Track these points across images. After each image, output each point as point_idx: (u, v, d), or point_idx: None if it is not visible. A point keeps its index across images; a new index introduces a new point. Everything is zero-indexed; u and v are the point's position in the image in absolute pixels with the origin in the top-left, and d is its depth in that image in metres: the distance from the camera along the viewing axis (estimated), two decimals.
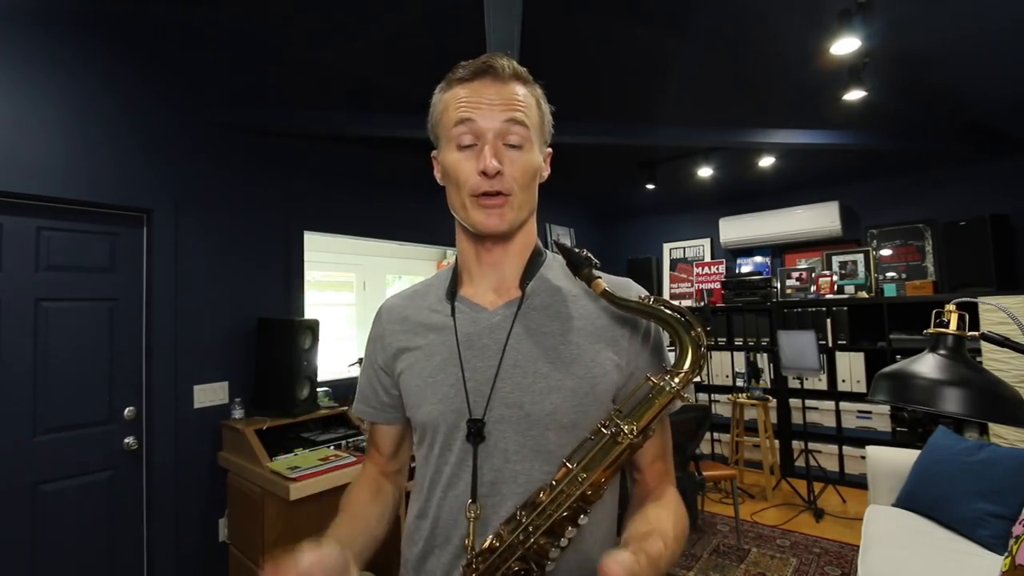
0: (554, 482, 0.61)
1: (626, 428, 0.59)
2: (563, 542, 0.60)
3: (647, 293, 0.70)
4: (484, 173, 0.64)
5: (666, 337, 0.70)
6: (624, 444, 0.59)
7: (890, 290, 3.85)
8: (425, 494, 0.71)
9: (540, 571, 0.60)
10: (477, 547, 0.63)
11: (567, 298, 0.72)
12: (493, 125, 0.65)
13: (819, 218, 4.19)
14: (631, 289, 0.72)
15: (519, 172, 0.66)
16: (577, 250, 0.66)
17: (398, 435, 0.82)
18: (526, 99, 0.68)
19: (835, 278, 4.09)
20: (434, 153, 0.74)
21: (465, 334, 0.71)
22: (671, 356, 0.67)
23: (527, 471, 0.66)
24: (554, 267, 0.76)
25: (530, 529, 0.59)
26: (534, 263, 0.74)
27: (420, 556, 0.70)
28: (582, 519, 0.60)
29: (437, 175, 0.74)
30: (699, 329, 0.62)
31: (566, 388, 0.66)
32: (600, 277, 0.66)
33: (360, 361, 2.84)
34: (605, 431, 0.61)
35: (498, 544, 0.61)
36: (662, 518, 0.64)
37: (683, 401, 0.61)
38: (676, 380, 0.60)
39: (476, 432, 0.66)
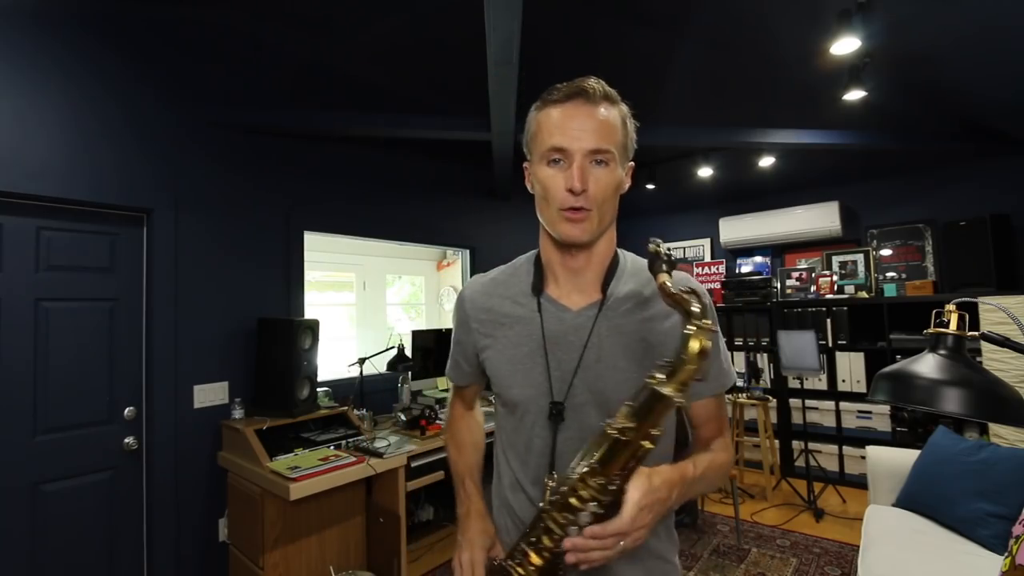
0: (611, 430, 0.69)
1: (658, 376, 0.66)
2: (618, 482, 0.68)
3: (697, 285, 0.77)
4: (571, 191, 0.74)
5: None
6: (658, 391, 0.66)
7: (890, 290, 3.85)
8: (522, 455, 0.85)
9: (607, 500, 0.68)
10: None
11: (642, 298, 0.82)
12: (581, 147, 0.74)
13: (819, 218, 4.18)
14: (676, 280, 0.76)
15: (602, 189, 0.76)
16: (656, 250, 0.69)
17: (478, 389, 1.04)
18: (613, 120, 0.77)
19: (835, 278, 4.08)
20: (526, 164, 0.85)
21: (551, 331, 0.82)
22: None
23: None
24: (630, 269, 0.86)
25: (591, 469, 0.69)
26: (613, 268, 0.85)
27: (511, 488, 0.88)
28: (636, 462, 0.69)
29: (528, 185, 0.84)
30: (708, 321, 0.65)
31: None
32: (664, 271, 0.69)
33: (361, 361, 2.87)
34: (650, 380, 0.68)
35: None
36: (700, 456, 0.79)
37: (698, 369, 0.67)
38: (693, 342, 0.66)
39: (557, 414, 0.79)
